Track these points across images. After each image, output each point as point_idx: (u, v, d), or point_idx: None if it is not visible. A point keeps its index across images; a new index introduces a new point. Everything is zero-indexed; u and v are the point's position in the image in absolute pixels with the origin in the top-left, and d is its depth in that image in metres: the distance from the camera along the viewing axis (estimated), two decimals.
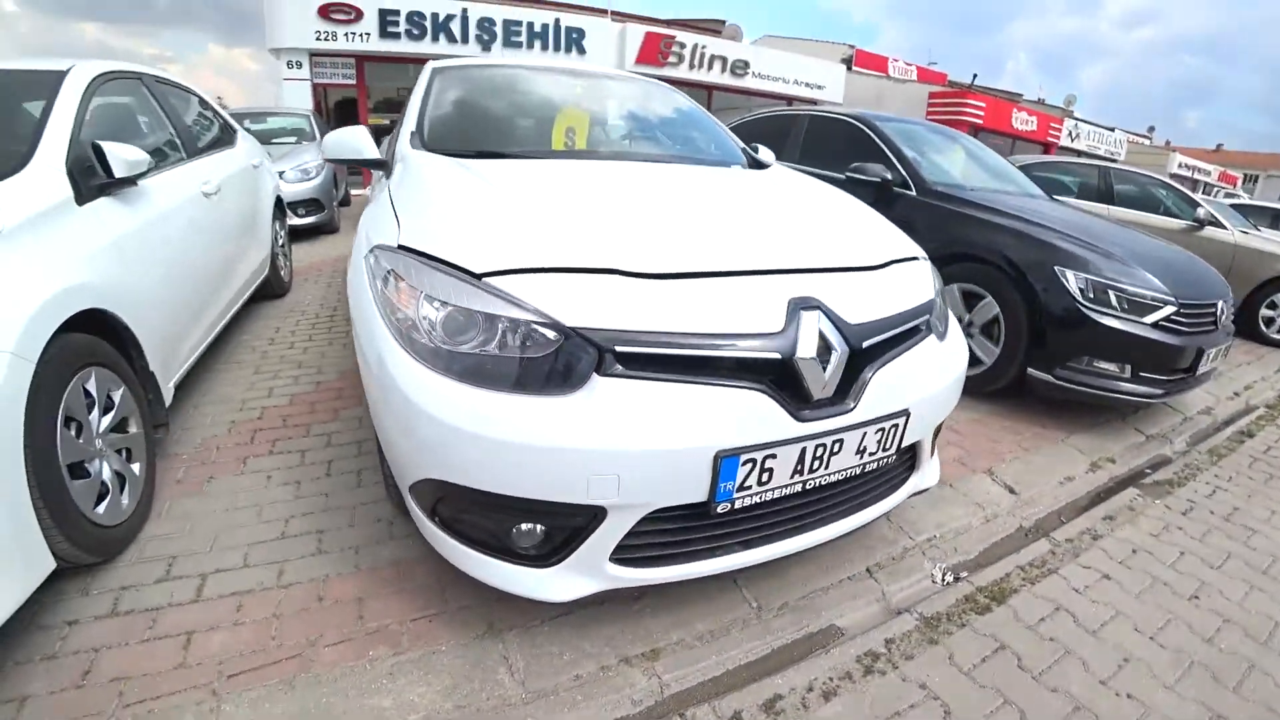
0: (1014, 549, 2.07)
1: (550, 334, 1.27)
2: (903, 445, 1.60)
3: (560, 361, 1.26)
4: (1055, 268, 2.91)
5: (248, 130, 4.60)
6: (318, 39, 13.63)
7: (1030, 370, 2.98)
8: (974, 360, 3.22)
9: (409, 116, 2.53)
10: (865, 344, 1.46)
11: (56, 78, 2.31)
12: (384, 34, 14.01)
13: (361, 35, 13.92)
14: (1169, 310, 2.84)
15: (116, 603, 1.62)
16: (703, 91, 17.53)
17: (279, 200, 4.58)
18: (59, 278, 1.69)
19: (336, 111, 15.27)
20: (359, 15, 13.74)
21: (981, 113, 19.75)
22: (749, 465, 1.33)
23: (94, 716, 1.31)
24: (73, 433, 1.65)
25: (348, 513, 2.01)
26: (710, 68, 17.18)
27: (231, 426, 2.58)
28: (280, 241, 4.53)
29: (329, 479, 2.20)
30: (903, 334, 1.59)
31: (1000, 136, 20.36)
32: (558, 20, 15.38)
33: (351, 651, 1.48)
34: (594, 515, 1.30)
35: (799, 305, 1.40)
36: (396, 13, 13.99)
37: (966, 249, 3.27)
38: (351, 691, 1.38)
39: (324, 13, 13.51)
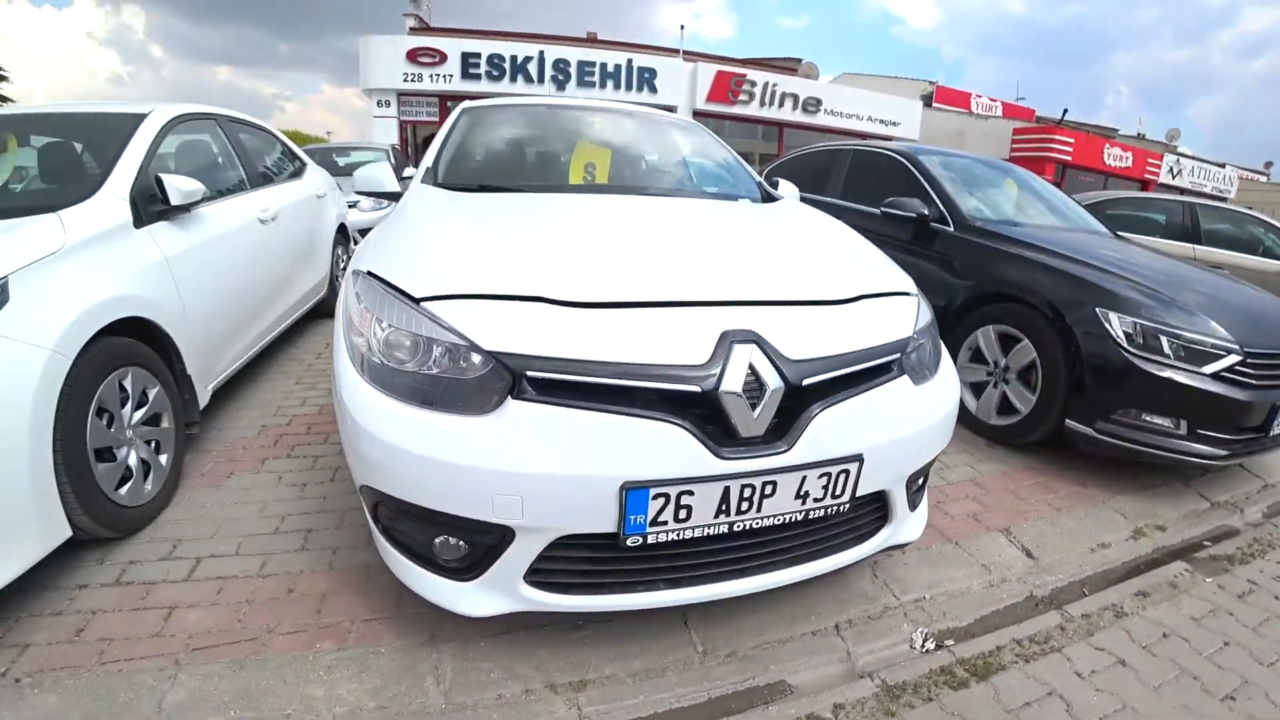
0: (1016, 620, 1.85)
1: (470, 357, 1.32)
2: (858, 494, 1.47)
3: (476, 384, 1.31)
4: (1096, 309, 2.65)
5: (336, 162, 4.99)
6: (405, 80, 14.64)
7: (1069, 422, 2.71)
8: (1008, 409, 2.97)
9: (429, 153, 2.68)
10: (807, 381, 1.37)
11: (137, 120, 2.68)
12: (465, 75, 14.89)
13: (445, 76, 14.85)
14: (1232, 360, 2.51)
15: (122, 574, 1.83)
16: (773, 129, 17.55)
17: (342, 227, 4.96)
18: (106, 289, 1.99)
19: (422, 146, 16.24)
20: (443, 58, 14.67)
21: (1070, 149, 18.78)
22: (661, 500, 1.28)
23: (75, 668, 1.49)
24: (104, 422, 1.91)
25: (338, 515, 2.15)
26: (781, 105, 17.22)
27: (262, 430, 2.80)
28: (342, 265, 4.85)
29: (331, 484, 2.36)
30: (862, 373, 1.47)
31: (1091, 173, 19.28)
32: (630, 60, 15.89)
33: (302, 642, 1.58)
34: (504, 535, 1.32)
35: (732, 338, 1.35)
36: (478, 55, 14.85)
37: (1002, 288, 3.05)
38: (290, 678, 1.48)
39: (411, 56, 14.51)
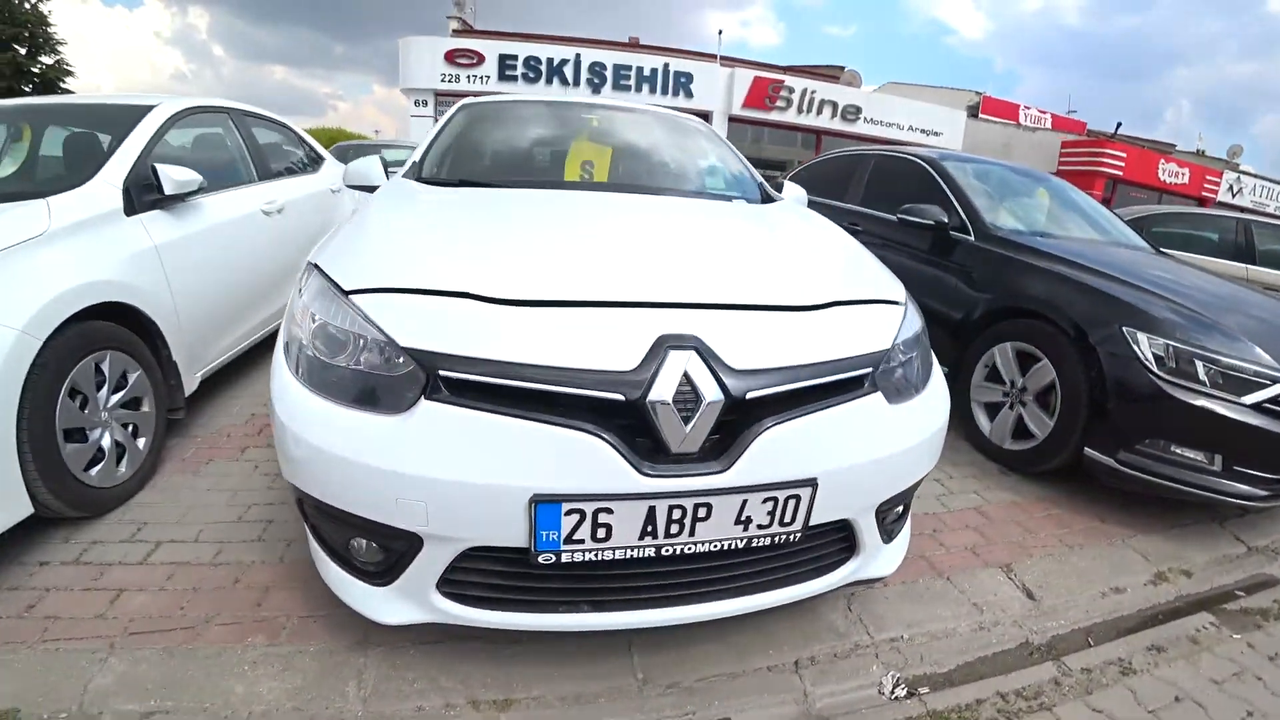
0: (1004, 669, 1.65)
1: (387, 353, 1.25)
2: (813, 522, 1.32)
3: (391, 382, 1.24)
4: (1124, 328, 2.42)
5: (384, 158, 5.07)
6: (443, 80, 14.83)
7: (1088, 451, 2.48)
8: (1024, 433, 2.75)
9: (419, 148, 2.66)
10: (752, 394, 1.23)
11: (143, 111, 2.73)
12: (502, 77, 15.01)
13: (482, 78, 14.99)
14: (1277, 389, 2.26)
15: (83, 553, 1.85)
16: (811, 136, 17.27)
17: None
18: (86, 274, 2.02)
19: None
20: (480, 60, 14.82)
21: (1121, 163, 18.04)
22: (575, 516, 1.18)
23: (18, 644, 1.50)
24: (77, 403, 1.94)
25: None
26: (819, 112, 16.93)
27: (250, 418, 2.82)
28: None
29: None
30: (823, 388, 1.32)
31: (1143, 189, 18.47)
32: (667, 65, 15.81)
33: (235, 634, 1.57)
34: (412, 541, 1.26)
35: (669, 343, 1.22)
36: (515, 57, 14.96)
37: (1022, 302, 2.83)
38: (215, 671, 1.46)
39: (450, 57, 14.69)
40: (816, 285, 1.53)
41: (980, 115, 21.23)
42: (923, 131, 17.78)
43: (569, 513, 1.17)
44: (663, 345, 1.22)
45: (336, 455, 1.22)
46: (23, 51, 15.11)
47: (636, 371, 1.19)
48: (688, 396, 1.19)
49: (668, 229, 1.92)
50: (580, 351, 1.20)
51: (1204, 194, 19.98)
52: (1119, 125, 21.08)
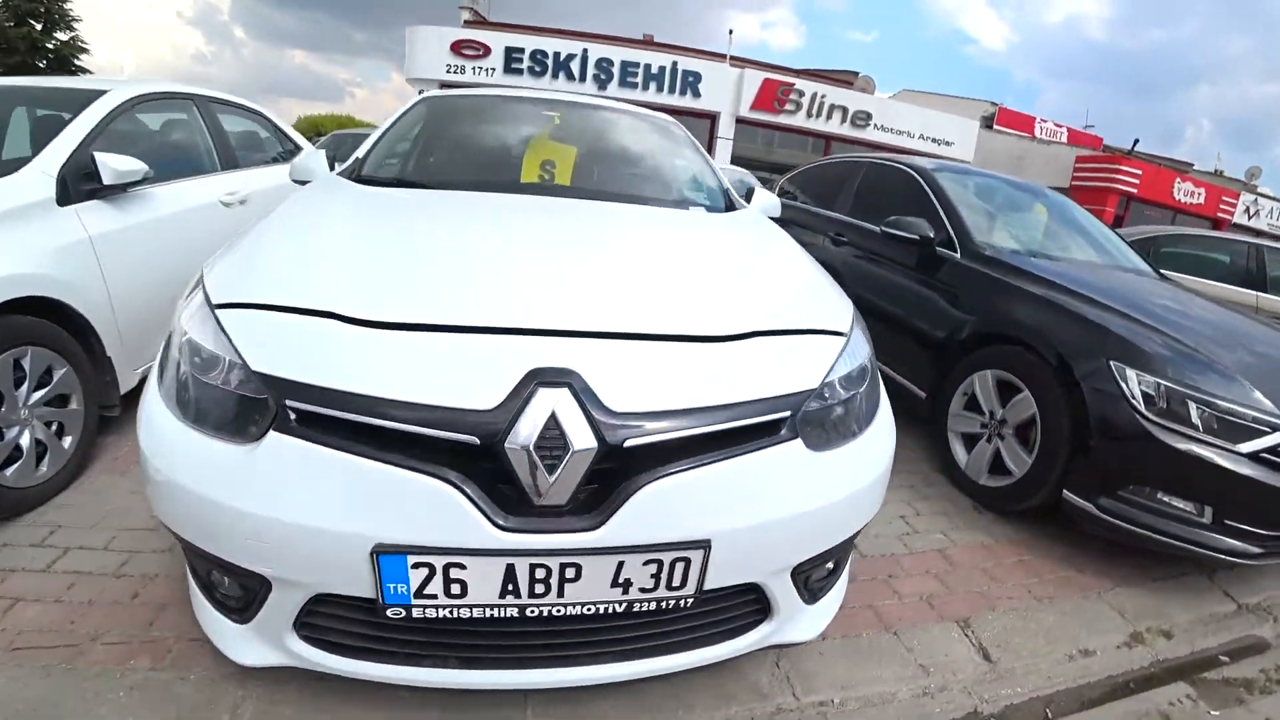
0: None
1: (240, 376, 1.14)
2: (711, 586, 1.15)
3: (241, 409, 1.13)
4: (1111, 362, 2.22)
5: None
6: (448, 71, 14.66)
7: (1067, 494, 2.28)
8: (1001, 468, 2.55)
9: (364, 144, 2.51)
10: (633, 442, 1.06)
11: (92, 97, 2.64)
12: (508, 69, 14.84)
13: (487, 70, 14.83)
14: (1276, 439, 2.06)
15: None
16: (820, 141, 17.02)
17: None
18: (4, 266, 1.94)
19: None
20: (487, 51, 14.66)
21: (1136, 181, 17.73)
22: (424, 570, 1.05)
23: None
24: None
25: None
26: (829, 118, 16.68)
27: None
28: None
29: None
30: (725, 435, 1.14)
31: (1157, 208, 18.17)
32: (675, 63, 15.60)
33: (118, 655, 1.49)
34: (261, 582, 1.15)
35: (540, 379, 1.07)
36: (521, 50, 14.80)
37: (1004, 328, 2.64)
38: (89, 695, 1.38)
39: (456, 48, 14.54)
40: (739, 312, 1.35)
41: (995, 126, 20.92)
42: (934, 141, 17.48)
43: (416, 566, 1.04)
44: (532, 381, 1.07)
45: (181, 484, 1.12)
46: (38, 27, 15.14)
47: (496, 411, 1.05)
48: (554, 442, 1.03)
49: (598, 243, 1.74)
50: (439, 385, 1.07)
51: (1220, 215, 19.64)
52: (1136, 142, 20.74)
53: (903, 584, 2.03)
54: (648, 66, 15.42)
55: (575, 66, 15.08)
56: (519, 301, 1.26)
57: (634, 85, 15.41)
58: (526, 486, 1.04)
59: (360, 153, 2.42)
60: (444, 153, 2.69)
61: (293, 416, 1.07)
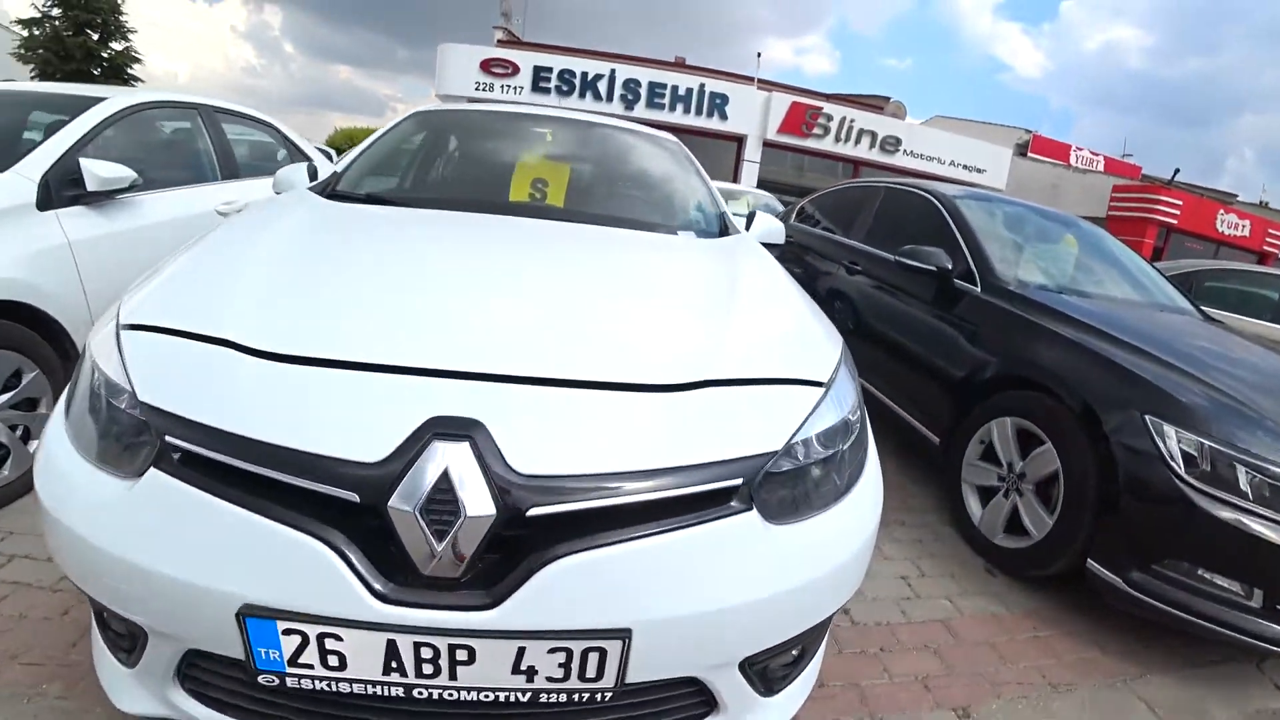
0: None
1: (129, 405, 1.04)
2: (632, 679, 0.96)
3: (124, 441, 1.03)
4: (1146, 416, 1.96)
5: None
6: (476, 89, 14.82)
7: (1091, 564, 2.02)
8: (1019, 528, 2.30)
9: (346, 157, 2.45)
10: (539, 510, 0.90)
11: (88, 104, 2.66)
12: (535, 88, 14.95)
13: (515, 88, 14.95)
14: None
15: None
16: (849, 166, 16.81)
17: None
18: None
19: None
20: (515, 70, 14.79)
21: (1176, 211, 17.12)
22: (296, 638, 0.91)
23: None
24: None
25: None
26: (858, 142, 16.46)
27: None
28: None
29: None
30: (657, 505, 0.95)
31: (1200, 240, 17.52)
32: (703, 85, 15.55)
33: (33, 677, 1.42)
34: (138, 629, 1.04)
35: (438, 429, 0.92)
36: (549, 70, 14.90)
37: (1026, 371, 2.39)
38: None
39: (485, 66, 14.71)
40: (697, 356, 1.16)
41: (1029, 154, 20.47)
42: (965, 167, 17.11)
43: (288, 633, 0.91)
44: (429, 431, 0.92)
45: (59, 516, 1.03)
46: (95, 37, 15.76)
47: (383, 465, 0.90)
48: (446, 506, 0.88)
49: (556, 272, 1.57)
50: (326, 431, 0.94)
51: (1266, 248, 18.88)
52: (1176, 171, 20.08)
53: (897, 660, 1.78)
54: (675, 88, 15.39)
55: (603, 86, 15.12)
56: (433, 338, 1.11)
57: (661, 106, 15.37)
58: (413, 554, 0.89)
59: (340, 166, 2.31)
60: (428, 169, 2.59)
61: (175, 455, 0.96)
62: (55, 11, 15.13)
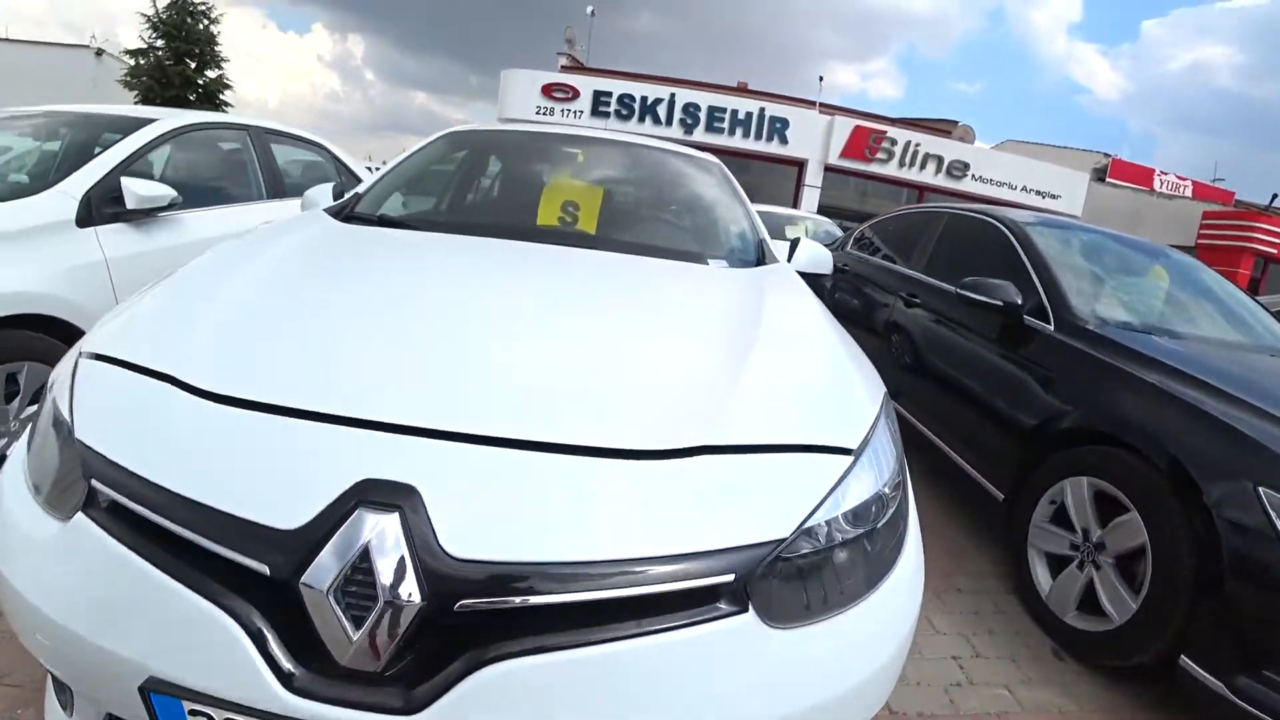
0: None
1: (64, 440, 0.96)
2: None
3: (62, 479, 0.94)
4: (1260, 487, 1.64)
5: None
6: (537, 113, 15.16)
7: (1185, 661, 1.70)
8: (1094, 606, 1.98)
9: (370, 179, 2.37)
10: (471, 603, 0.75)
11: (136, 124, 2.76)
12: (595, 112, 15.16)
13: (575, 112, 15.20)
14: None
15: None
16: (913, 192, 16.29)
17: None
18: (2, 284, 2.01)
19: None
20: (575, 94, 15.06)
21: (1276, 240, 15.79)
22: (203, 718, 0.80)
23: None
24: None
25: None
26: (923, 167, 15.98)
27: None
28: None
29: None
30: (624, 604, 0.78)
31: None
32: (763, 109, 15.45)
33: (12, 700, 1.39)
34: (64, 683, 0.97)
35: (364, 496, 0.79)
36: (609, 94, 15.10)
37: (1107, 425, 2.08)
38: None
39: (546, 91, 15.04)
40: (693, 414, 0.97)
41: (1107, 180, 19.39)
42: (1037, 194, 16.29)
43: (194, 713, 0.80)
44: (352, 497, 0.79)
45: None
46: (192, 66, 17.00)
47: (300, 533, 0.78)
48: (363, 586, 0.74)
49: (554, 308, 1.40)
50: (251, 487, 0.83)
51: None
52: (1275, 196, 18.53)
53: None
54: (735, 112, 15.32)
55: (662, 111, 15.20)
56: (387, 386, 0.97)
57: (720, 130, 15.32)
58: (327, 641, 0.76)
59: (362, 186, 2.23)
60: (453, 190, 2.51)
61: (104, 501, 0.88)
62: (159, 43, 16.34)
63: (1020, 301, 2.62)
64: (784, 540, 0.85)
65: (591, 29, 21.17)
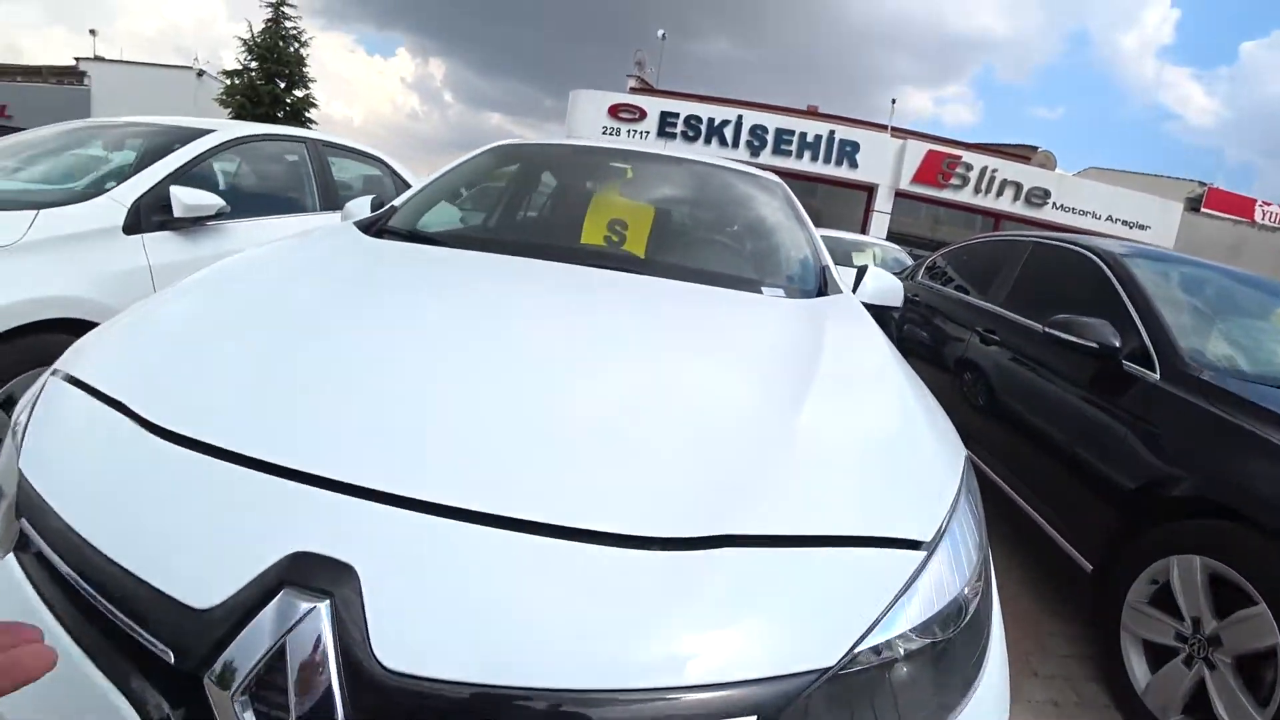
0: None
1: (4, 469, 0.89)
2: None
3: (5, 509, 0.84)
4: None
5: None
6: (604, 133, 15.31)
7: None
8: (1203, 711, 1.67)
9: (409, 191, 2.29)
10: None
11: (194, 135, 2.82)
12: (661, 133, 15.19)
13: (642, 133, 15.27)
14: None
15: None
16: (989, 220, 15.58)
17: None
18: (42, 288, 2.02)
19: None
20: (643, 115, 15.14)
21: None
22: None
23: None
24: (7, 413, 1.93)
25: None
26: (1000, 194, 15.26)
27: None
28: None
29: None
30: None
31: None
32: (832, 132, 15.13)
33: None
34: None
35: (292, 579, 0.63)
36: (676, 115, 15.12)
37: (1226, 495, 1.77)
38: None
39: (613, 111, 15.18)
40: (719, 490, 0.79)
41: (1202, 210, 18.05)
42: (1124, 223, 15.25)
43: None
44: (281, 576, 0.64)
45: None
46: (281, 85, 18.14)
47: (212, 615, 0.63)
48: (275, 693, 0.59)
49: (575, 345, 1.19)
50: (173, 547, 0.70)
51: None
52: None
53: None
54: (803, 134, 15.06)
55: (729, 132, 15.10)
56: (341, 435, 0.82)
57: (788, 153, 15.08)
58: None
59: (400, 199, 2.15)
60: (496, 206, 2.41)
61: (33, 546, 0.76)
62: (253, 64, 17.49)
63: (1119, 344, 2.30)
64: (827, 670, 0.65)
65: (662, 52, 21.37)
